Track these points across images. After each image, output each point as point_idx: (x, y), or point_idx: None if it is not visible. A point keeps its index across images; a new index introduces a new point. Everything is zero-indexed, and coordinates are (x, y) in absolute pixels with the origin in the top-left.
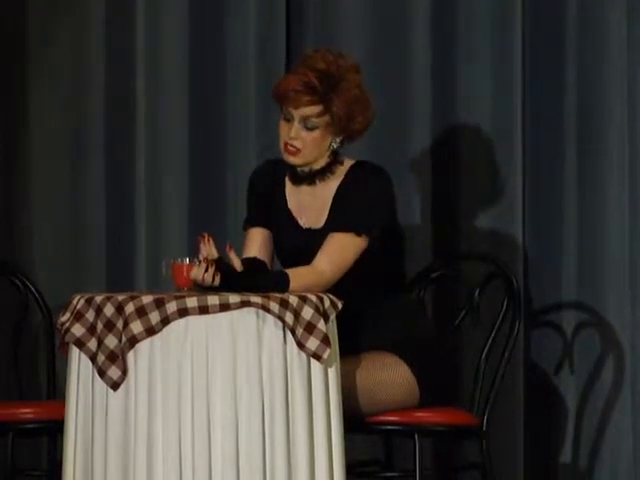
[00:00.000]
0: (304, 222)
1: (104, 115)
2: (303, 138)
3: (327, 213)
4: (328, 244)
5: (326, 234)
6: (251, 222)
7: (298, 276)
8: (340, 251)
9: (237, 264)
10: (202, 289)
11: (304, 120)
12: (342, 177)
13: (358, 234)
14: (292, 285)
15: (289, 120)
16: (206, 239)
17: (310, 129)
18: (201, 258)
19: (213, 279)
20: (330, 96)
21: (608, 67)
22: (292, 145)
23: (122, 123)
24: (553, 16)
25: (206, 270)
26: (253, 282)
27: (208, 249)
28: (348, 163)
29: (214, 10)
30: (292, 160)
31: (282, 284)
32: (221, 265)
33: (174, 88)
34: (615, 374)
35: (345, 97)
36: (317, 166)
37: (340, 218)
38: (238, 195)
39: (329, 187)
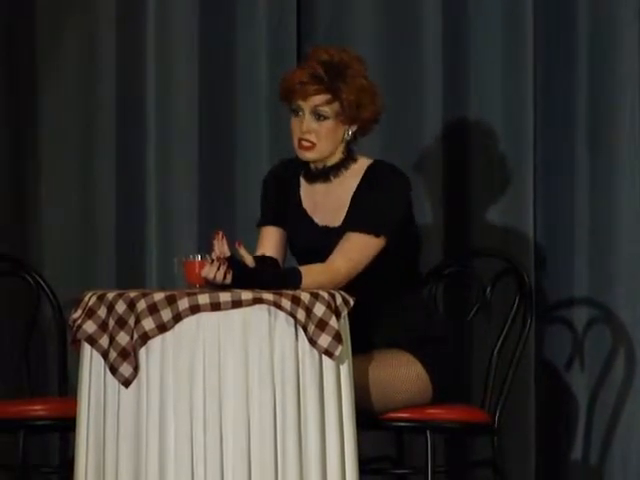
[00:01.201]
0: (319, 220)
1: (114, 115)
2: (316, 130)
3: (344, 212)
4: (346, 242)
5: (342, 233)
6: (264, 221)
7: (311, 273)
8: (358, 250)
9: (249, 260)
10: (214, 287)
11: (314, 111)
12: (360, 176)
13: (377, 235)
14: (305, 282)
15: (299, 115)
16: (220, 236)
17: (321, 119)
18: (214, 256)
19: (224, 277)
20: (337, 84)
21: (620, 65)
22: (306, 139)
23: (132, 123)
24: (564, 14)
25: (218, 268)
26: (265, 278)
27: (221, 247)
28: (365, 162)
29: (225, 10)
30: (307, 156)
31: (294, 281)
32: (233, 263)
33: (184, 88)
34: (626, 370)
35: (352, 84)
36: (331, 162)
37: (359, 218)
38: (248, 194)
39: (345, 185)
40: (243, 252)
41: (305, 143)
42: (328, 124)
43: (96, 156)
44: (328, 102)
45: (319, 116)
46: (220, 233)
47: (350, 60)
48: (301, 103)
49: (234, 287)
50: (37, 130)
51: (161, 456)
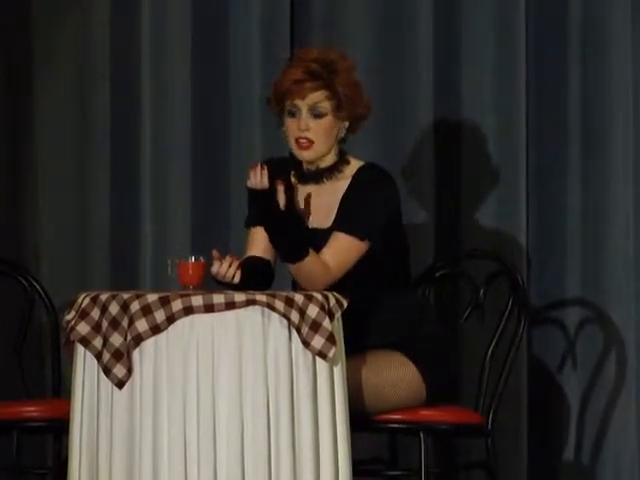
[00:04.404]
0: (310, 221)
1: (109, 115)
2: (314, 128)
3: (334, 214)
4: (333, 242)
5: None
6: (253, 221)
7: (313, 259)
8: (344, 251)
9: (282, 202)
10: (220, 285)
11: (312, 108)
12: (350, 179)
13: (361, 239)
14: (306, 261)
15: (295, 115)
16: (259, 167)
17: (319, 116)
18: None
19: (233, 277)
20: (332, 78)
21: (613, 65)
22: (305, 138)
23: (126, 123)
24: (556, 14)
25: (229, 266)
26: (290, 227)
27: (259, 178)
28: (356, 164)
29: (218, 11)
30: (306, 155)
31: (301, 254)
32: (246, 263)
33: (178, 88)
34: (618, 371)
35: (345, 79)
36: (324, 164)
37: (345, 220)
38: (242, 195)
39: (336, 187)
40: (280, 190)
41: (303, 142)
42: (326, 121)
43: (91, 157)
44: (327, 98)
45: (317, 114)
46: (259, 164)
47: (338, 57)
48: (298, 102)
49: (261, 218)
50: (32, 130)
51: (154, 457)
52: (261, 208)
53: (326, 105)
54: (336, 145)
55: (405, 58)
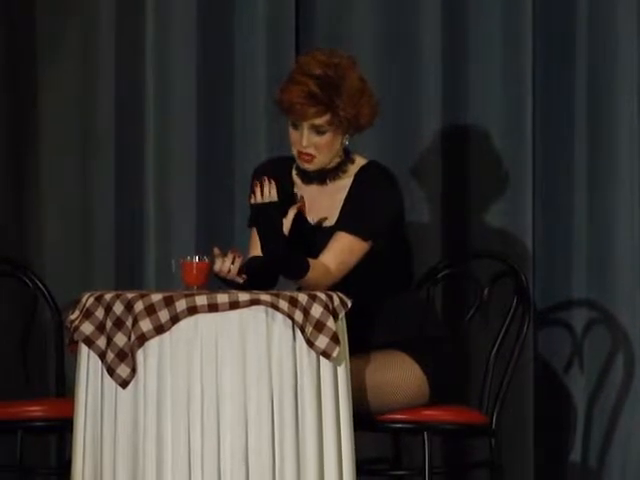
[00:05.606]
0: (313, 219)
1: (114, 115)
2: (316, 143)
3: (338, 212)
4: (335, 243)
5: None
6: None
7: (314, 267)
8: (347, 251)
9: (286, 227)
10: (225, 283)
11: (313, 127)
12: (353, 177)
13: (365, 239)
14: (308, 274)
15: (298, 128)
16: (266, 181)
17: (321, 133)
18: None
19: (238, 272)
20: (335, 102)
21: (618, 65)
22: (306, 153)
23: (131, 123)
24: (563, 13)
25: (232, 262)
26: (283, 253)
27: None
28: (360, 162)
29: (223, 11)
30: (308, 167)
31: (302, 270)
32: (249, 263)
33: (183, 89)
34: (625, 372)
35: (350, 97)
36: (329, 166)
37: (349, 220)
38: (247, 195)
39: (340, 186)
40: (291, 214)
41: (305, 156)
42: (327, 137)
43: (95, 156)
44: (328, 122)
45: (318, 131)
46: (266, 178)
47: (344, 68)
48: (300, 121)
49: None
50: (36, 130)
51: (158, 457)
52: (264, 245)
53: (328, 127)
54: (341, 147)
55: (412, 57)
